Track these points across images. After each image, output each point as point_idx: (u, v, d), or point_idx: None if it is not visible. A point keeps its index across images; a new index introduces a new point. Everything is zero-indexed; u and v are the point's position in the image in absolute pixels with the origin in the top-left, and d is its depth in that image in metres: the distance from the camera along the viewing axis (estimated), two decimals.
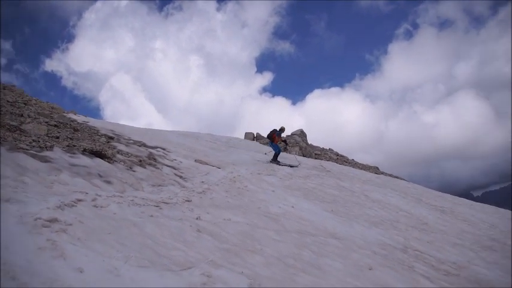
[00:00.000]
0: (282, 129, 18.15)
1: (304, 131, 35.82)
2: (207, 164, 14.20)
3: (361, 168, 29.53)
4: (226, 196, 9.79)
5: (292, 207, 10.12)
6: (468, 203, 20.08)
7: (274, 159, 18.31)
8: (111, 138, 13.38)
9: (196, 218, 7.01)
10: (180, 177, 11.02)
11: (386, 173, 32.54)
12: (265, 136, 18.60)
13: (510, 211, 22.51)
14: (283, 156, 20.91)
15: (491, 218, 15.48)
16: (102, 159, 9.27)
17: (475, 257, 9.81)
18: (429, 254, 9.01)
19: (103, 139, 12.52)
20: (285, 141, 19.21)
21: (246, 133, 34.22)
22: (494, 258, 10.19)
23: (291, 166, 18.19)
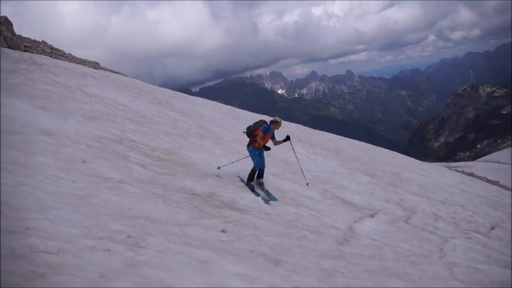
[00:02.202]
0: (276, 122, 9.30)
1: (10, 19, 30.99)
2: None
3: (80, 63, 28.17)
4: None
5: None
6: (184, 97, 22.14)
7: (249, 179, 9.20)
8: None
9: None
10: None
11: (107, 68, 32.08)
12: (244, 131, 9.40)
13: (221, 103, 26.03)
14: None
15: (202, 109, 17.61)
16: None
17: (185, 143, 11.18)
18: (144, 143, 9.77)
19: None
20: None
21: None
22: (200, 143, 11.86)
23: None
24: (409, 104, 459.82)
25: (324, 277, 5.26)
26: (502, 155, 69.40)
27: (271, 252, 5.40)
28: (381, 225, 8.85)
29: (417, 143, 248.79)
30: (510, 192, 24.90)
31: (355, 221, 8.40)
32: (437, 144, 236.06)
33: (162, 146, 9.97)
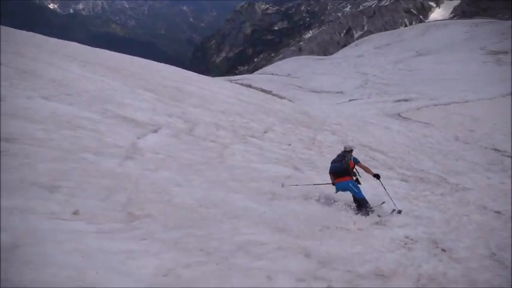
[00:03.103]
0: (352, 150, 8.20)
1: None
2: None
3: None
4: None
5: None
6: None
7: (365, 205, 7.60)
8: None
9: None
10: None
11: None
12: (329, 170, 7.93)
13: None
14: None
15: None
16: None
17: None
18: None
19: None
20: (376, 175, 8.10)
21: None
22: None
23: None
24: (191, 19, 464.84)
25: (106, 196, 5.24)
26: (274, 67, 77.05)
27: (46, 180, 5.06)
28: (164, 139, 9.13)
29: (200, 58, 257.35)
30: (280, 100, 28.32)
31: (138, 138, 8.45)
32: (219, 59, 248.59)
33: None
